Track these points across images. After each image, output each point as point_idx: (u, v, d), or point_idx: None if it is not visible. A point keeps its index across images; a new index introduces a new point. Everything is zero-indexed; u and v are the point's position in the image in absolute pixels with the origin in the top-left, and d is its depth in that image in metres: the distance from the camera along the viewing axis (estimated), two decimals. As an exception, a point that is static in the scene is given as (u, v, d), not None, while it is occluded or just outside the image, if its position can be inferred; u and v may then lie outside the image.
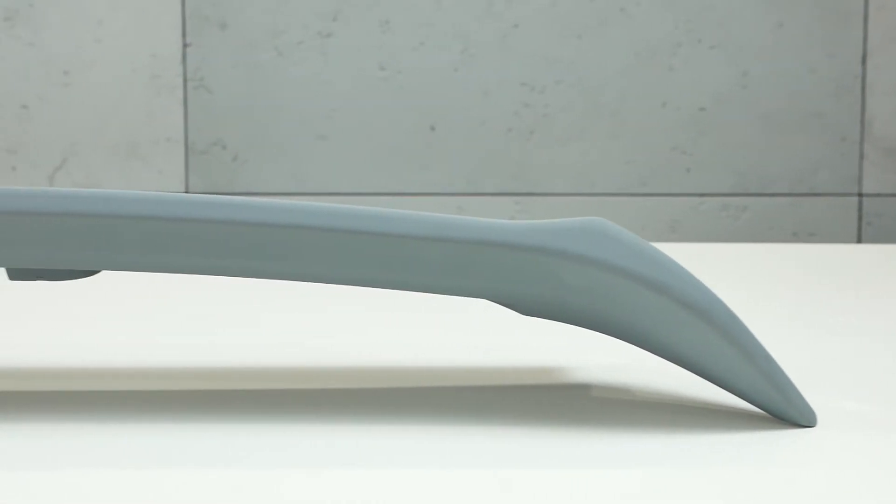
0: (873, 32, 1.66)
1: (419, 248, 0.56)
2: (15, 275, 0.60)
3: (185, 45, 1.63)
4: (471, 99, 1.65)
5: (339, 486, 0.48)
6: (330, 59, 1.64)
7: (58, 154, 1.64)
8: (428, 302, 0.71)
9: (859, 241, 1.67)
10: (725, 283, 0.74)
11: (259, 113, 1.64)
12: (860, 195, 1.67)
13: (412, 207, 1.64)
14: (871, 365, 0.70)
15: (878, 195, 1.67)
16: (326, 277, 0.60)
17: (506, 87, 1.65)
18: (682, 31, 1.64)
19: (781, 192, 1.67)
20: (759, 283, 1.06)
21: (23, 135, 1.63)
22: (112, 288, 0.73)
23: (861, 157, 1.66)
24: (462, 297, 0.61)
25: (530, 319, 0.63)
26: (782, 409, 0.57)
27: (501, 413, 0.58)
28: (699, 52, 1.65)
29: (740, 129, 1.66)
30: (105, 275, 0.61)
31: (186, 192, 1.63)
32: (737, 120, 1.66)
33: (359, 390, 0.63)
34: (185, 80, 1.63)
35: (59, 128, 1.63)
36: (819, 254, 1.28)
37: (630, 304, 0.56)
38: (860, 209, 1.67)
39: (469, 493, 0.48)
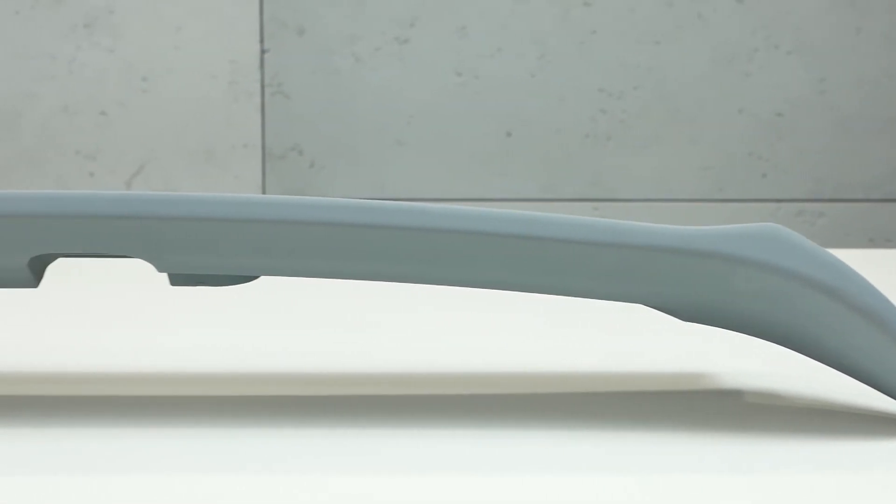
0: (952, 38, 1.65)
1: (591, 254, 0.55)
2: (177, 280, 0.60)
3: (262, 52, 1.63)
4: (548, 105, 1.65)
5: (504, 493, 0.48)
6: (407, 64, 1.64)
7: (136, 160, 1.64)
8: (570, 306, 0.71)
9: (938, 247, 1.66)
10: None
11: (336, 119, 1.64)
12: (939, 201, 1.66)
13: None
14: None
15: (957, 201, 1.66)
16: (491, 283, 0.60)
17: (583, 92, 1.65)
18: (760, 37, 1.64)
19: (858, 198, 1.66)
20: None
21: (101, 141, 1.64)
22: (266, 293, 0.73)
23: (940, 162, 1.66)
24: (615, 303, 0.61)
25: (679, 324, 0.63)
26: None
27: (651, 418, 0.58)
28: (776, 58, 1.64)
29: (817, 134, 1.66)
30: (262, 280, 0.61)
31: (263, 197, 1.63)
32: (813, 125, 1.65)
33: (510, 395, 0.62)
34: (262, 86, 1.64)
35: (138, 134, 1.64)
36: (899, 260, 1.27)
37: (802, 309, 0.56)
38: (939, 215, 1.66)
39: (619, 498, 0.48)
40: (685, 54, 1.64)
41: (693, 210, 1.65)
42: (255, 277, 0.62)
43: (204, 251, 0.59)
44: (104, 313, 0.81)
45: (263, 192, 1.64)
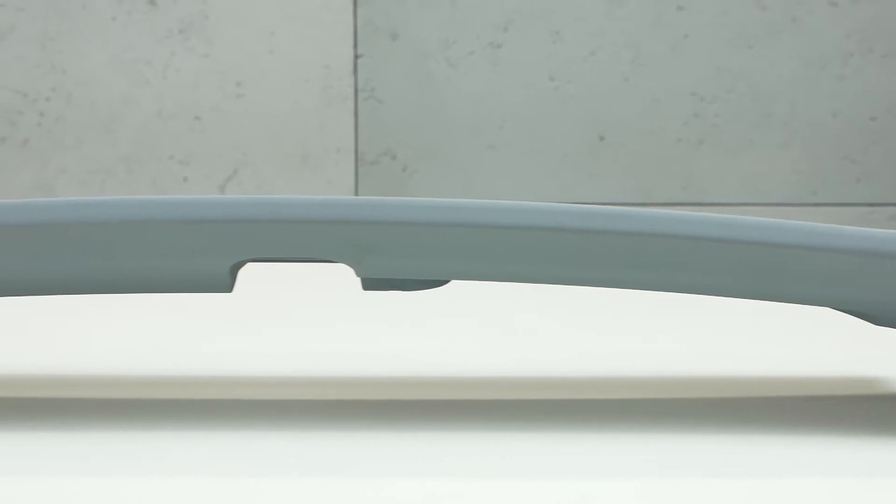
0: None
1: (799, 258, 0.55)
2: (370, 285, 0.61)
3: (356, 56, 1.64)
4: (640, 109, 1.64)
5: (649, 495, 0.48)
6: (500, 69, 1.64)
7: (229, 164, 1.65)
8: (730, 308, 0.71)
9: None
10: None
11: (429, 123, 1.65)
12: None
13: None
14: None
15: None
16: (706, 288, 0.60)
17: (675, 96, 1.64)
18: (854, 41, 1.63)
19: (951, 202, 1.66)
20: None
21: (195, 146, 1.65)
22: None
23: None
24: (785, 305, 0.61)
25: (842, 327, 0.63)
26: None
27: (823, 423, 0.58)
28: (871, 62, 1.64)
29: (910, 138, 1.65)
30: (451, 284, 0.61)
31: (356, 202, 1.64)
32: (907, 129, 1.65)
33: (674, 400, 0.62)
34: (356, 91, 1.64)
35: (231, 138, 1.65)
36: None
37: None
38: None
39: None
40: (778, 58, 1.64)
41: (785, 214, 1.64)
42: (447, 282, 0.62)
43: (406, 255, 0.59)
44: (298, 317, 0.81)
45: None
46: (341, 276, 0.62)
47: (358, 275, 0.60)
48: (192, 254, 0.59)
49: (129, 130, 1.64)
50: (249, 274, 0.63)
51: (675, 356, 0.73)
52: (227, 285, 0.60)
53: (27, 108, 1.64)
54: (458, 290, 0.63)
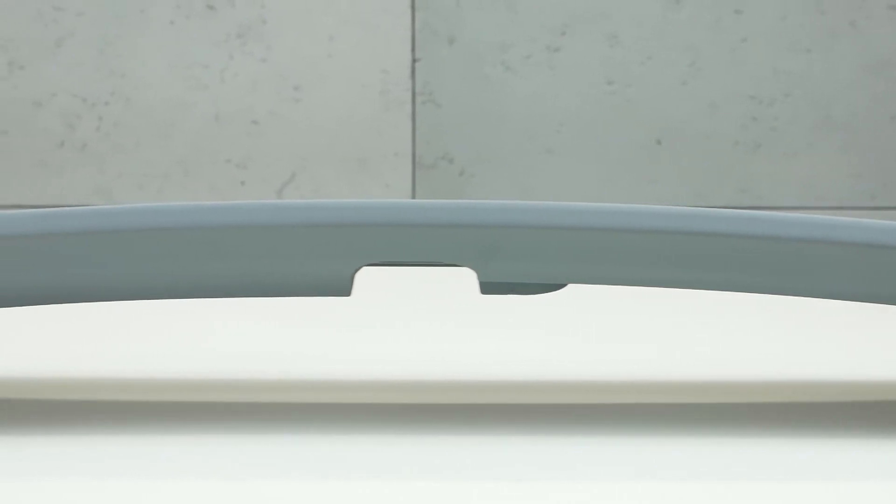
0: None
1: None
2: (489, 288, 0.61)
3: (414, 60, 1.64)
4: (698, 112, 1.64)
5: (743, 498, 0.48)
6: (557, 73, 1.64)
7: (287, 169, 1.65)
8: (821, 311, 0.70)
9: None
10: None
11: (486, 127, 1.65)
12: None
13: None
14: None
15: None
16: (799, 290, 0.60)
17: (733, 100, 1.64)
18: (913, 44, 1.63)
19: None
20: None
21: (253, 150, 1.65)
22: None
23: None
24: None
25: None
26: None
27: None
28: (930, 65, 1.63)
29: (969, 141, 1.64)
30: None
31: (413, 206, 1.64)
32: (966, 133, 1.64)
33: (763, 404, 0.62)
34: (413, 95, 1.64)
35: (289, 143, 1.65)
36: None
37: None
38: None
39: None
40: (837, 61, 1.63)
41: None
42: (564, 285, 0.62)
43: (530, 258, 0.59)
44: (414, 320, 0.81)
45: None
46: (459, 280, 0.62)
47: (480, 279, 0.60)
48: (317, 258, 0.59)
49: (186, 134, 1.65)
50: (362, 278, 0.63)
51: (800, 360, 0.73)
52: (346, 289, 0.60)
53: (86, 113, 1.64)
54: (575, 294, 0.63)
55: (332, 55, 1.64)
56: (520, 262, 0.58)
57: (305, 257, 0.58)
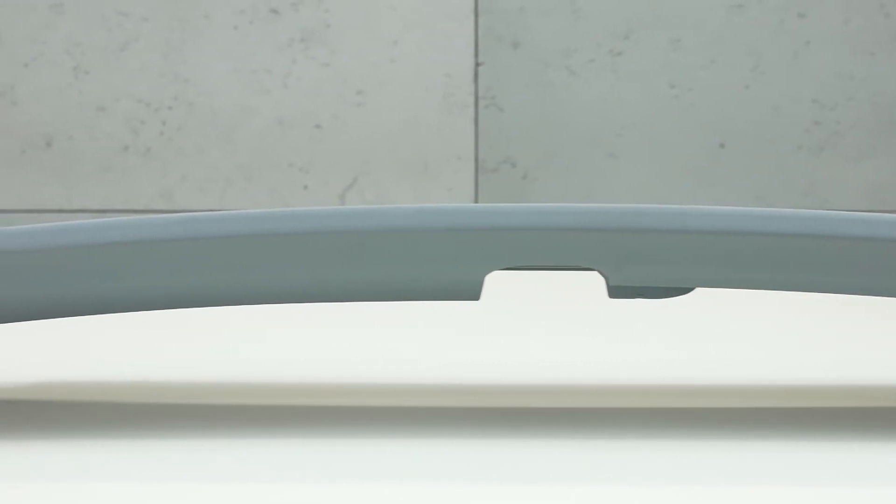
0: None
1: None
2: (617, 292, 0.61)
3: (477, 65, 1.64)
4: (761, 116, 1.64)
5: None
6: (620, 77, 1.64)
7: (349, 173, 1.65)
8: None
9: None
10: None
11: (549, 131, 1.65)
12: None
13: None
14: None
15: None
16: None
17: (797, 104, 1.64)
18: (977, 47, 1.62)
19: None
20: None
21: (316, 154, 1.65)
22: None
23: None
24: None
25: None
26: None
27: None
28: None
29: None
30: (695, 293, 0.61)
31: (475, 210, 1.64)
32: None
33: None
34: (476, 99, 1.64)
35: (352, 147, 1.65)
36: None
37: None
38: None
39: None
40: (901, 65, 1.63)
41: (908, 222, 1.63)
42: (691, 289, 0.62)
43: (664, 262, 0.59)
44: (543, 324, 0.81)
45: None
46: (585, 284, 0.62)
47: (612, 282, 0.60)
48: (451, 262, 0.59)
49: (248, 139, 1.65)
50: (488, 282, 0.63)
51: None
52: (476, 293, 0.61)
53: (149, 118, 1.65)
54: (702, 298, 0.63)
55: (395, 59, 1.64)
56: (651, 265, 0.58)
57: (440, 261, 0.58)
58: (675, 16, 1.63)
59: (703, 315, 0.79)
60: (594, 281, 0.60)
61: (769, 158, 1.64)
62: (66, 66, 1.64)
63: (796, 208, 1.59)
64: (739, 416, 0.60)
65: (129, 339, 0.84)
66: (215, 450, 0.55)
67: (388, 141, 1.65)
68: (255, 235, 0.57)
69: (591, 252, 0.58)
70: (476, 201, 1.65)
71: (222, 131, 1.65)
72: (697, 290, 0.61)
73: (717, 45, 1.63)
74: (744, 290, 0.61)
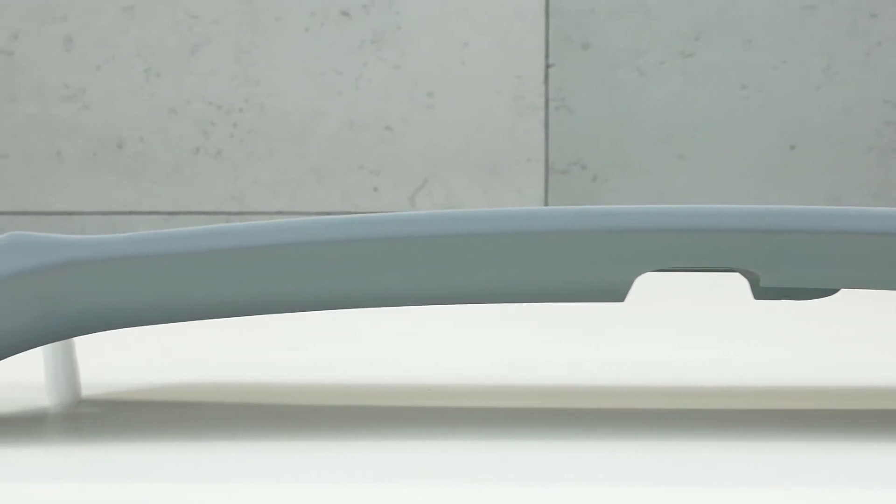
0: None
1: None
2: (762, 294, 0.61)
3: (547, 66, 1.64)
4: (832, 117, 1.63)
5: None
6: (691, 78, 1.64)
7: (419, 175, 1.66)
8: None
9: None
10: None
11: (619, 132, 1.64)
12: None
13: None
14: None
15: None
16: None
17: (868, 104, 1.63)
18: None
19: None
20: None
21: (386, 156, 1.66)
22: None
23: None
24: None
25: None
26: None
27: None
28: None
29: None
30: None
31: (545, 211, 1.64)
32: None
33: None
34: (546, 101, 1.64)
35: (422, 149, 1.65)
36: None
37: None
38: None
39: None
40: (974, 65, 1.62)
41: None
42: (836, 291, 0.62)
43: (812, 263, 0.59)
44: (687, 326, 0.81)
45: (546, 206, 1.64)
46: (729, 285, 0.62)
47: (761, 284, 0.60)
48: (603, 264, 0.59)
49: (319, 141, 1.66)
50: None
51: None
52: (623, 295, 0.60)
53: (220, 120, 1.65)
54: (847, 300, 0.63)
55: (465, 61, 1.64)
56: (806, 266, 0.58)
57: (593, 263, 0.58)
58: (746, 16, 1.62)
59: (848, 317, 0.79)
60: (739, 282, 0.60)
61: (840, 159, 1.64)
62: (138, 69, 1.65)
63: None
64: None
65: (254, 340, 0.84)
66: (343, 451, 0.55)
67: (459, 143, 1.65)
68: (404, 238, 0.57)
69: (748, 253, 0.58)
70: (546, 203, 1.65)
71: (293, 133, 1.65)
72: (841, 291, 0.61)
73: (788, 46, 1.63)
74: (890, 291, 0.61)
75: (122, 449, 0.57)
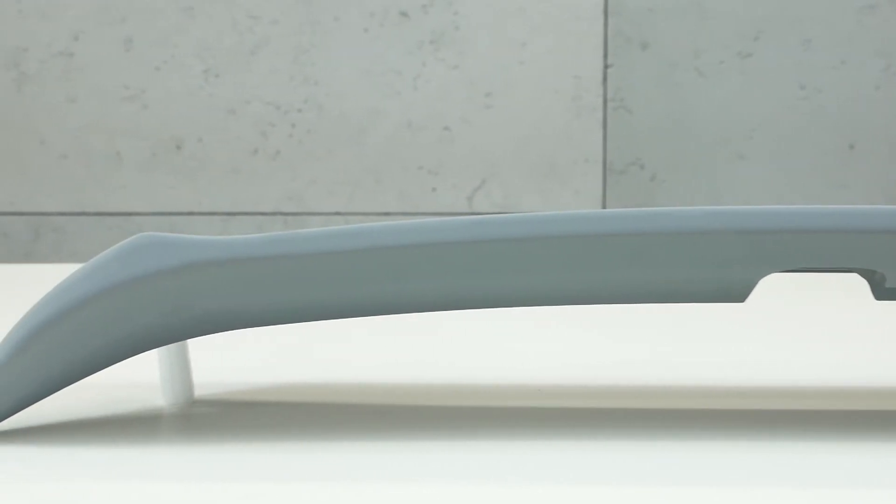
0: None
1: None
2: (885, 294, 0.61)
3: (606, 66, 1.64)
4: (891, 117, 1.63)
5: None
6: (749, 78, 1.63)
7: (477, 175, 1.66)
8: None
9: None
10: None
11: (677, 133, 1.64)
12: None
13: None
14: None
15: None
16: None
17: (928, 105, 1.63)
18: None
19: None
20: None
21: (444, 156, 1.66)
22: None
23: None
24: None
25: None
26: None
27: None
28: None
29: None
30: None
31: (603, 212, 1.64)
32: None
33: None
34: (604, 101, 1.64)
35: (480, 149, 1.66)
36: None
37: None
38: None
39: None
40: None
41: None
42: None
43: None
44: (808, 326, 0.81)
45: (603, 207, 1.64)
46: (848, 286, 0.62)
47: (887, 284, 0.60)
48: (730, 264, 0.59)
49: (377, 141, 1.66)
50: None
51: None
52: (744, 295, 0.61)
53: (279, 120, 1.66)
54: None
55: (523, 61, 1.64)
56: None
57: (721, 264, 0.58)
58: (804, 17, 1.62)
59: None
60: (858, 283, 0.60)
61: (899, 160, 1.63)
62: (197, 70, 1.66)
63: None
64: None
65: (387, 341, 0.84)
66: (467, 451, 0.55)
67: (517, 143, 1.65)
68: (533, 239, 0.57)
69: (877, 254, 0.58)
70: (603, 203, 1.65)
71: (351, 134, 1.66)
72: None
73: (847, 46, 1.63)
74: None
75: (236, 449, 0.58)
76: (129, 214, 1.66)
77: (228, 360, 0.77)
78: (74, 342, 0.59)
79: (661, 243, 0.58)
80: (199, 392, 0.68)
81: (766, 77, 1.63)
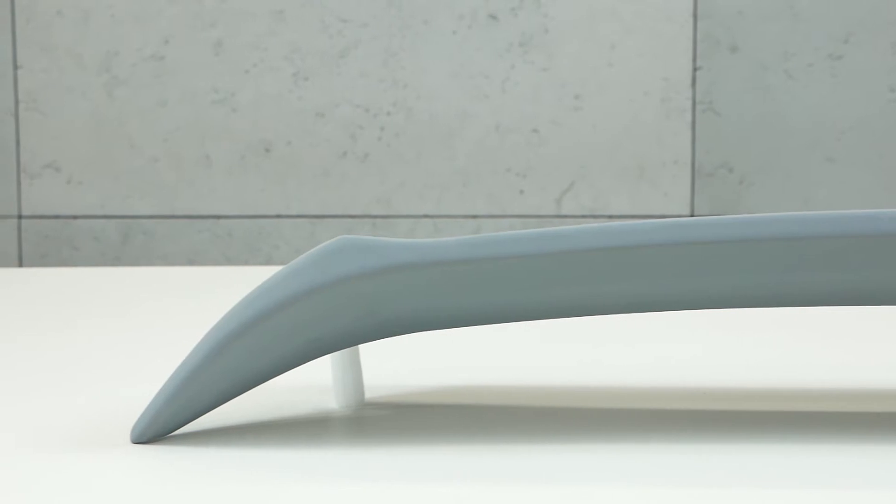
0: None
1: None
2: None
3: (695, 69, 1.64)
4: (983, 119, 1.62)
5: None
6: (840, 81, 1.63)
7: (566, 177, 1.66)
8: None
9: None
10: None
11: (767, 135, 1.64)
12: None
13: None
14: None
15: None
16: None
17: None
18: None
19: None
20: None
21: (533, 158, 1.66)
22: None
23: None
24: None
25: None
26: None
27: None
28: None
29: None
30: None
31: (692, 215, 1.64)
32: None
33: None
34: (693, 104, 1.64)
35: (569, 151, 1.66)
36: None
37: None
38: None
39: None
40: None
41: None
42: None
43: None
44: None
45: (692, 211, 1.64)
46: None
47: None
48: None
49: (466, 144, 1.66)
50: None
51: None
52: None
53: (368, 123, 1.66)
54: None
55: (612, 63, 1.65)
56: None
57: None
58: (896, 19, 1.62)
59: None
60: None
61: None
62: (286, 73, 1.66)
63: None
64: None
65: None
66: (635, 453, 0.55)
67: (606, 145, 1.66)
68: (727, 242, 0.57)
69: None
70: (692, 206, 1.65)
71: (440, 136, 1.66)
72: None
73: (938, 48, 1.62)
74: None
75: (407, 451, 0.58)
76: (218, 217, 1.67)
77: (399, 363, 0.77)
78: (268, 346, 0.59)
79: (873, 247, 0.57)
80: (369, 395, 0.69)
81: (856, 79, 1.63)
